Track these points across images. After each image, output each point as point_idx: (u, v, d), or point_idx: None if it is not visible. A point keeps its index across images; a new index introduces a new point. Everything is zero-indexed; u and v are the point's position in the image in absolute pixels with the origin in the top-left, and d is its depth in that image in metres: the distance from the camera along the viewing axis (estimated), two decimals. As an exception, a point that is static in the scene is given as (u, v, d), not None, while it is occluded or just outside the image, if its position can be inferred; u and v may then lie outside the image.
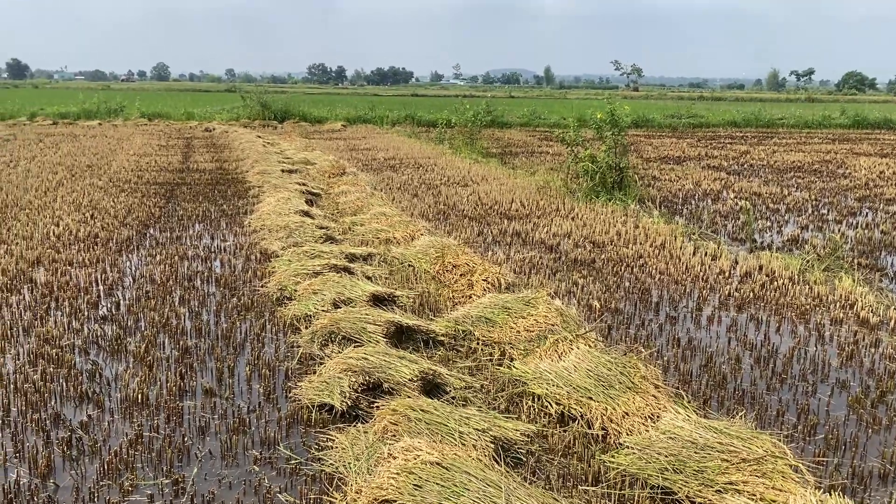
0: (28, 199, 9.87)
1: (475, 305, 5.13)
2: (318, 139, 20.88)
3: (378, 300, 5.42)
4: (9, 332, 4.89)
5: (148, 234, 8.07)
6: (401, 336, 4.74)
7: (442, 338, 4.77)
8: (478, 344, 4.69)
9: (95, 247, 7.33)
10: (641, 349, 4.25)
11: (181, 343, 4.81)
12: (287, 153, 15.85)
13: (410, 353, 4.49)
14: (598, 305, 5.63)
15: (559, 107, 41.40)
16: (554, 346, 4.33)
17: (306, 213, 8.62)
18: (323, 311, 5.15)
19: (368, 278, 6.09)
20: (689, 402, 3.89)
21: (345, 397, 3.77)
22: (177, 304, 5.67)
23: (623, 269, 6.87)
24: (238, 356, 4.66)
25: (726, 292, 6.17)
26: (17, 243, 7.31)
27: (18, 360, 4.46)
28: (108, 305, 5.59)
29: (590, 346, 4.30)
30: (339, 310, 4.97)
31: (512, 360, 4.41)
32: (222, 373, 4.37)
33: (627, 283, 6.43)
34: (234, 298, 5.80)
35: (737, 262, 7.06)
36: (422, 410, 3.47)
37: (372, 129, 25.88)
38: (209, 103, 36.48)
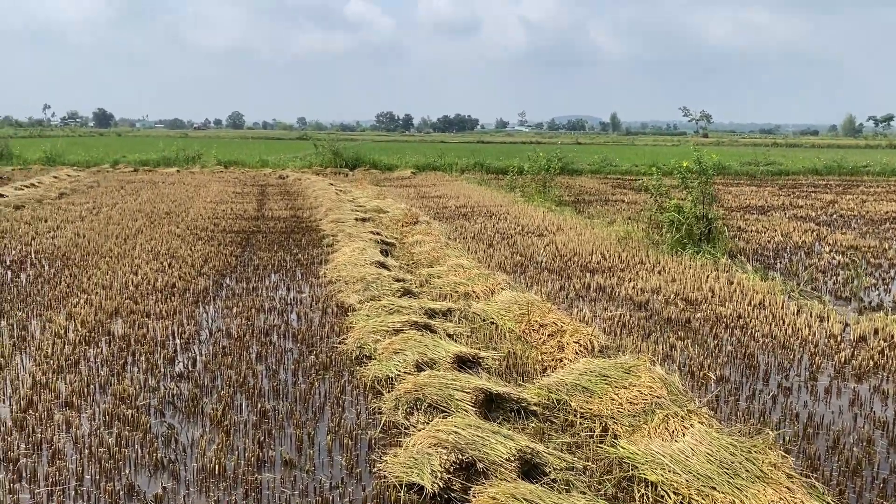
0: (108, 246, 10.00)
1: (569, 371, 4.75)
2: (388, 186, 20.94)
3: (462, 361, 5.10)
4: (86, 388, 4.76)
5: (224, 285, 7.99)
6: (490, 404, 4.39)
7: (534, 408, 4.39)
8: (575, 416, 4.29)
9: (173, 297, 7.26)
10: (768, 431, 3.78)
11: (259, 406, 4.57)
12: (359, 201, 15.85)
13: (501, 423, 4.14)
14: (710, 376, 5.16)
15: (629, 153, 40.84)
16: (664, 422, 3.91)
17: (382, 265, 8.42)
18: (405, 373, 4.85)
19: (450, 336, 5.79)
20: (823, 493, 3.40)
21: (436, 478, 3.43)
22: (254, 360, 5.47)
23: (722, 330, 6.38)
24: (318, 421, 4.39)
25: (841, 359, 5.61)
26: (96, 293, 7.31)
27: (94, 420, 4.30)
28: (185, 361, 5.42)
29: (705, 424, 3.86)
30: (422, 373, 4.66)
31: (616, 437, 4.00)
32: (302, 441, 4.09)
33: (730, 347, 5.93)
34: (312, 356, 5.57)
35: (847, 325, 6.48)
36: (524, 499, 3.10)
37: (441, 176, 25.90)
38: (282, 151, 37.40)
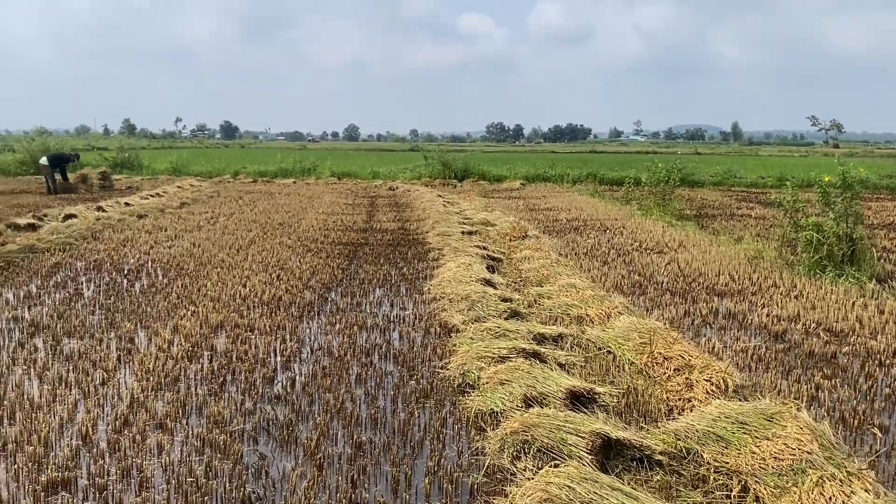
0: (221, 256, 10.12)
1: (699, 416, 4.17)
2: (496, 198, 20.56)
3: (575, 397, 4.61)
4: (181, 409, 4.61)
5: (329, 299, 7.83)
6: (608, 451, 3.88)
7: (660, 457, 3.85)
8: (708, 471, 3.72)
9: (278, 311, 7.14)
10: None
11: (355, 437, 4.26)
12: (466, 213, 15.55)
13: (620, 474, 3.64)
14: (875, 432, 4.42)
15: (753, 164, 38.65)
16: (818, 486, 3.29)
17: (488, 282, 8.02)
18: (512, 408, 4.42)
19: (561, 366, 5.30)
20: None
21: (546, 542, 2.98)
22: (353, 383, 5.20)
23: (876, 368, 5.57)
24: (416, 458, 4.03)
25: None
26: (204, 305, 7.30)
27: (185, 446, 4.12)
28: (284, 381, 5.21)
29: (870, 493, 3.21)
30: (531, 410, 4.22)
31: (758, 500, 3.40)
32: (398, 482, 3.74)
33: (887, 390, 5.13)
34: (413, 381, 5.23)
35: None
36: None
37: (552, 187, 25.28)
38: (393, 162, 37.81)
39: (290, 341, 6.17)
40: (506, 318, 6.50)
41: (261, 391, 5.00)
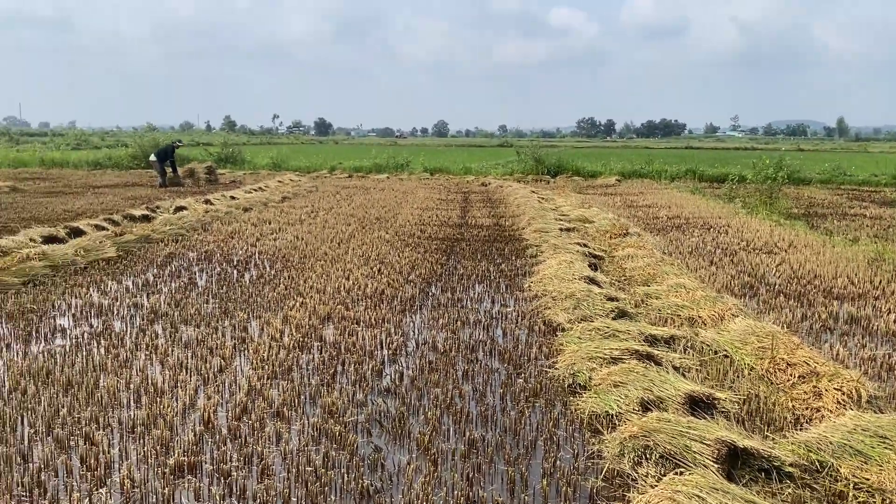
0: (324, 249, 10.34)
1: (833, 427, 3.92)
2: (592, 195, 20.20)
3: (694, 402, 4.43)
4: (297, 399, 4.71)
5: (430, 294, 7.86)
6: (734, 460, 3.70)
7: (790, 469, 3.64)
8: (846, 487, 3.49)
9: (381, 305, 7.22)
10: None
11: (467, 433, 4.24)
12: (563, 209, 15.34)
13: (748, 485, 3.47)
14: None
15: (863, 161, 36.55)
16: (977, 511, 3.02)
17: (591, 280, 7.85)
18: (629, 411, 4.29)
19: (676, 368, 5.12)
20: None
21: (677, 553, 2.86)
22: (460, 379, 5.18)
23: None
24: (530, 459, 3.96)
25: None
26: (311, 296, 7.46)
27: (303, 435, 4.19)
28: (392, 375, 5.25)
29: None
30: (650, 414, 4.08)
31: (907, 521, 3.17)
32: (514, 482, 3.69)
33: None
34: (521, 379, 5.17)
35: None
36: None
37: (648, 184, 24.64)
38: (484, 158, 37.81)
39: (395, 335, 6.22)
40: (613, 318, 6.34)
41: (371, 384, 5.05)
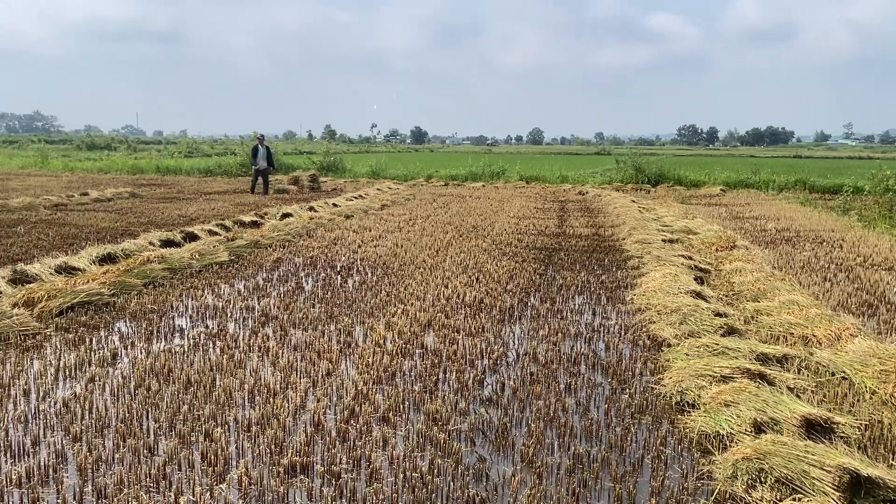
0: (423, 257, 10.49)
1: (969, 459, 3.66)
2: (695, 205, 19.61)
3: (810, 425, 4.24)
4: (401, 405, 4.80)
5: (529, 304, 7.84)
6: (856, 488, 3.52)
7: (921, 502, 3.42)
8: None
9: (480, 314, 7.26)
10: None
11: (571, 447, 4.21)
12: (665, 220, 14.97)
13: (873, 517, 3.28)
14: None
15: None
16: None
17: (698, 294, 7.63)
18: (740, 432, 4.15)
19: (790, 389, 4.90)
20: None
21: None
22: (562, 392, 5.15)
23: None
24: (637, 476, 3.89)
25: None
26: (411, 303, 7.58)
27: (408, 440, 4.27)
28: (493, 384, 5.27)
29: None
30: (763, 436, 3.93)
31: None
32: (621, 499, 3.63)
33: None
34: (625, 395, 5.08)
35: None
36: None
37: (755, 194, 23.70)
38: (580, 166, 37.38)
39: (495, 344, 6.24)
40: (722, 335, 6.14)
41: (473, 393, 5.09)
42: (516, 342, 6.40)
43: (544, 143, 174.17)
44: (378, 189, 23.43)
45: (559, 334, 6.59)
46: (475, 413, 4.71)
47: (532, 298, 8.10)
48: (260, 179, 22.06)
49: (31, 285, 7.68)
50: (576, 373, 5.57)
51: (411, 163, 39.66)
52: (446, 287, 8.41)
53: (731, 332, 6.30)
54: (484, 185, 27.21)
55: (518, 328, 6.86)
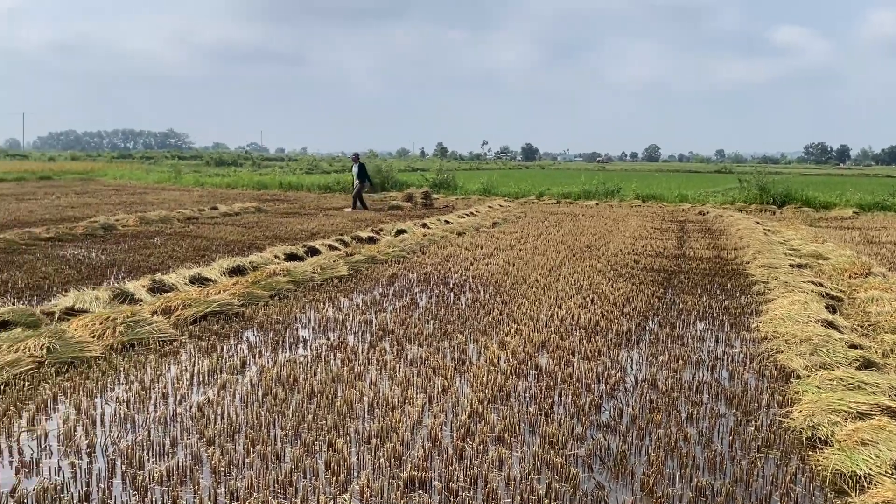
0: (535, 277, 10.45)
1: None
2: (825, 228, 18.54)
3: (963, 472, 3.90)
4: (516, 426, 4.80)
5: (646, 328, 7.65)
6: None
7: None
8: None
9: (595, 336, 7.15)
10: None
11: (693, 479, 4.06)
12: (792, 243, 14.23)
13: None
14: None
15: None
16: None
17: (829, 324, 7.20)
18: (880, 474, 3.88)
19: (937, 431, 4.53)
20: None
21: None
22: (684, 421, 4.98)
23: None
24: (765, 515, 3.72)
25: None
26: (525, 323, 7.57)
27: (524, 462, 4.26)
28: (611, 410, 5.18)
29: None
30: (910, 481, 3.65)
31: None
32: (748, 538, 3.48)
33: None
34: (751, 427, 4.86)
35: None
36: None
37: (893, 217, 22.13)
38: (700, 185, 36.15)
39: (612, 369, 6.12)
40: (857, 368, 5.77)
41: (589, 418, 5.02)
42: (634, 367, 6.26)
43: (661, 160, 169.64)
44: (489, 206, 23.56)
45: (680, 361, 6.39)
46: (592, 438, 4.64)
47: (650, 322, 7.90)
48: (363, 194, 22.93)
49: (168, 294, 8.23)
50: (698, 402, 5.38)
51: (522, 180, 39.64)
52: (560, 308, 8.34)
53: (867, 365, 5.91)
54: (597, 204, 26.81)
55: (636, 353, 6.70)
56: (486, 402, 5.19)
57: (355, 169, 22.84)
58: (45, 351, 5.80)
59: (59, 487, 3.79)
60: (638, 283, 10.13)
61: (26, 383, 5.34)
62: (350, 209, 22.10)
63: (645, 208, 25.37)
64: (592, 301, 8.80)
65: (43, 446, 4.34)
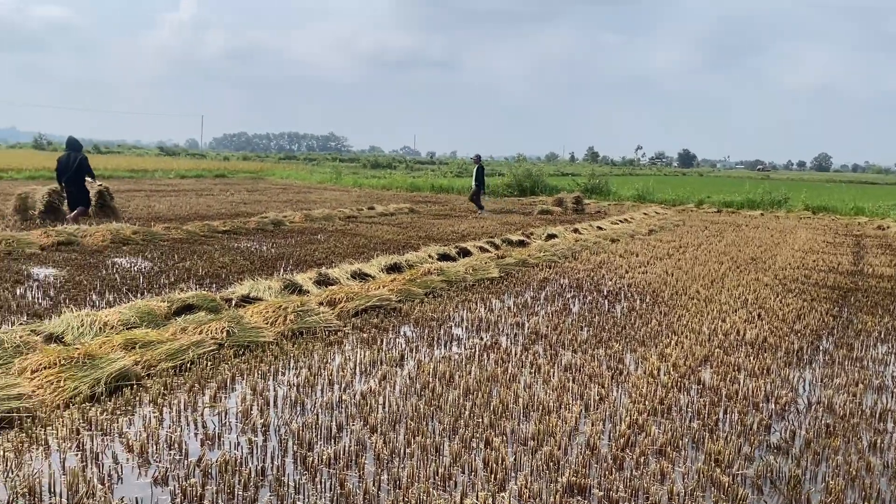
0: (695, 288, 10.01)
1: None
2: None
3: None
4: (679, 440, 4.61)
5: (820, 348, 7.11)
6: None
7: None
8: None
9: (763, 353, 6.74)
10: None
11: (880, 515, 3.73)
12: None
13: None
14: None
15: None
16: None
17: None
18: None
19: None
20: None
21: None
22: (866, 450, 4.59)
23: None
24: (968, 562, 3.33)
25: None
26: (686, 336, 7.27)
27: (687, 478, 4.08)
28: (781, 432, 4.85)
29: None
30: None
31: None
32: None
33: None
34: (948, 464, 4.39)
35: None
36: None
37: None
38: (878, 197, 33.24)
39: (783, 389, 5.74)
40: None
41: (758, 437, 4.73)
42: (807, 388, 5.84)
43: (832, 169, 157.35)
44: (644, 213, 22.87)
45: (859, 385, 5.89)
46: (762, 459, 4.37)
47: (824, 342, 7.35)
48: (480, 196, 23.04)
49: (332, 287, 8.64)
50: (882, 430, 4.93)
51: (679, 187, 38.17)
52: (723, 321, 7.94)
53: None
54: (762, 214, 25.30)
55: (808, 374, 6.25)
56: (645, 414, 5.03)
57: (476, 171, 23.03)
58: (224, 334, 6.27)
59: (237, 461, 4.07)
60: (809, 299, 9.45)
61: (209, 363, 5.79)
62: (479, 212, 22.31)
63: (815, 220, 23.63)
64: (759, 316, 8.31)
65: (223, 422, 4.69)
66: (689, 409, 5.21)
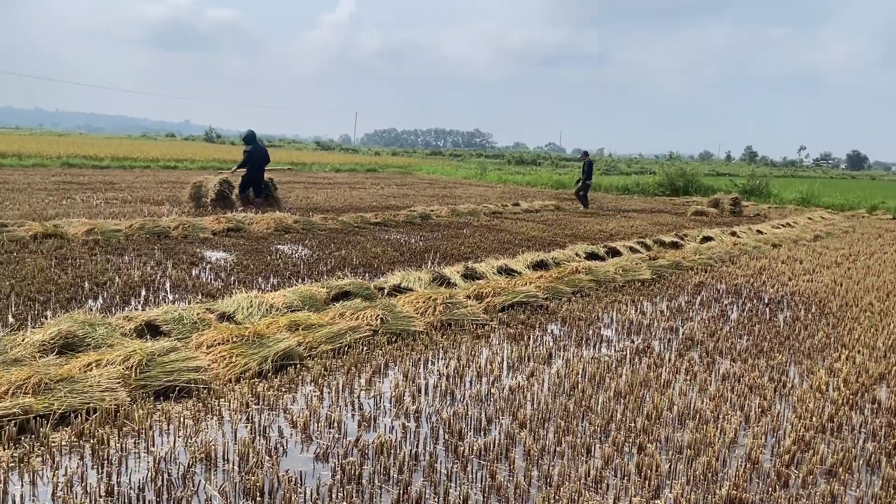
0: (868, 300, 9.24)
1: None
2: None
3: None
4: (851, 462, 4.27)
5: None
6: None
7: None
8: None
9: (951, 375, 6.10)
10: None
11: None
12: None
13: None
14: None
15: None
16: None
17: None
18: None
19: None
20: None
21: None
22: None
23: None
24: None
25: None
26: (858, 350, 6.72)
27: (861, 503, 3.78)
28: (974, 464, 4.37)
29: None
30: None
31: None
32: None
33: None
34: None
35: None
36: None
37: None
38: None
39: (975, 416, 5.17)
40: None
41: (945, 467, 4.29)
42: None
43: None
44: (808, 218, 21.35)
45: None
46: (950, 492, 3.96)
47: None
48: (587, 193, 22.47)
49: (479, 281, 8.73)
50: None
51: (849, 191, 35.32)
52: (902, 337, 7.27)
53: None
54: (945, 223, 22.89)
55: None
56: (812, 431, 4.70)
57: (584, 166, 22.30)
58: (378, 321, 6.50)
59: (391, 445, 4.21)
60: None
61: (364, 347, 6.03)
62: (583, 208, 21.76)
63: None
64: (943, 334, 7.53)
65: (378, 406, 4.86)
66: (862, 430, 4.81)
